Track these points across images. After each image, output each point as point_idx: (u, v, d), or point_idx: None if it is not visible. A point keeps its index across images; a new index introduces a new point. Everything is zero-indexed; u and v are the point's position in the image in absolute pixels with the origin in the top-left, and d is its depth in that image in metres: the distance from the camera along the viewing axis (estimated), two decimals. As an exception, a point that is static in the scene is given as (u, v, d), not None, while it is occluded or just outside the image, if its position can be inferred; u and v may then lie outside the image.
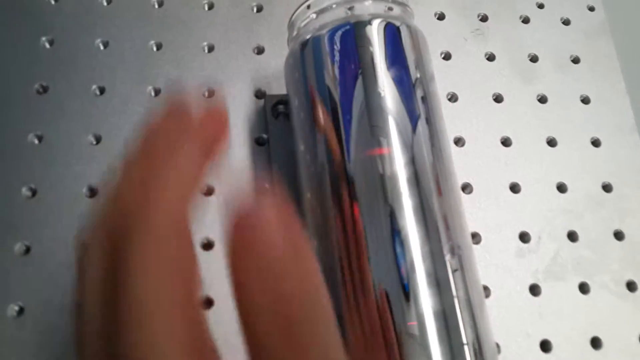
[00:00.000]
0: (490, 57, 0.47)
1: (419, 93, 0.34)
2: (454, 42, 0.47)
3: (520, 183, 0.42)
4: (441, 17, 0.48)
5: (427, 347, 0.27)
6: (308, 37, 0.35)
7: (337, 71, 0.33)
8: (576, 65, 0.48)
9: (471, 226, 0.40)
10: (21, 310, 0.35)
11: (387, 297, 0.28)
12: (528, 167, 0.43)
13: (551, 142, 0.45)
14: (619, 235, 0.42)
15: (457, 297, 0.29)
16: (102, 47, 0.42)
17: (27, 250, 0.36)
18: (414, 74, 0.34)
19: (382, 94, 0.32)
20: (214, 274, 0.36)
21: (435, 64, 0.45)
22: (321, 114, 0.33)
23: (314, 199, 0.33)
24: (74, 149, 0.39)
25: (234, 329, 0.35)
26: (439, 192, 0.32)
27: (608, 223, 0.42)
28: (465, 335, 0.29)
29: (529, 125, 0.45)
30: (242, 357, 0.34)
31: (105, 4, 0.44)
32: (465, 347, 0.28)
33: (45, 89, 0.40)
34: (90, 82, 0.41)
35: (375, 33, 0.34)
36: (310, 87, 0.34)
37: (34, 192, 0.38)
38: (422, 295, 0.28)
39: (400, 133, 0.31)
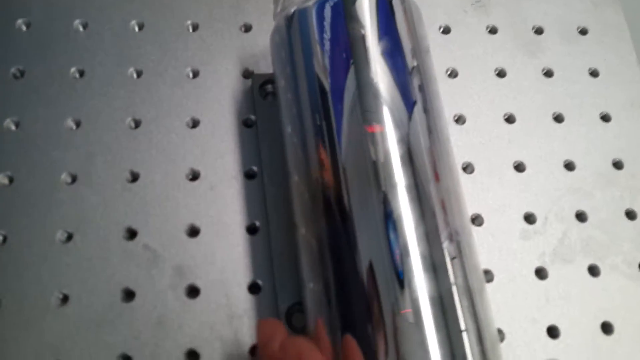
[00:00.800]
0: (492, 30, 0.45)
1: (413, 71, 0.31)
2: (453, 15, 0.45)
3: (525, 161, 0.40)
4: (439, -12, 0.46)
5: (423, 334, 0.26)
6: (293, 10, 0.33)
7: (325, 49, 0.31)
8: (584, 36, 0.46)
9: (473, 207, 0.38)
10: (-3, 304, 0.33)
11: (381, 284, 0.26)
12: (533, 145, 0.41)
13: (558, 118, 0.42)
14: (630, 215, 0.39)
15: (456, 284, 0.27)
16: (81, 29, 0.40)
17: (4, 240, 0.35)
18: (408, 50, 0.32)
19: (374, 73, 0.30)
20: (200, 260, 0.35)
21: (434, 37, 0.43)
22: (309, 95, 0.31)
23: (302, 183, 0.31)
24: (53, 134, 0.37)
25: (219, 317, 0.33)
26: (436, 176, 0.29)
27: (619, 202, 0.40)
28: (463, 322, 0.27)
29: (533, 100, 0.42)
30: (229, 345, 0.33)
31: (84, -17, 0.42)
32: (464, 334, 0.27)
33: (22, 73, 0.39)
34: (69, 65, 0.39)
35: (366, 6, 0.32)
36: (296, 66, 0.32)
37: (10, 180, 0.36)
38: (417, 281, 0.26)
39: (393, 113, 0.29)
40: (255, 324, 0.32)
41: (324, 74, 0.31)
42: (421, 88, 0.31)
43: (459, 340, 0.26)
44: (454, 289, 0.27)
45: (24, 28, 0.40)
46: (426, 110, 0.31)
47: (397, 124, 0.29)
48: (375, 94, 0.29)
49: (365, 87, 0.30)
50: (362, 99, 0.29)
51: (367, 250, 0.27)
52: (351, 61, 0.30)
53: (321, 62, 0.31)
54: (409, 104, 0.30)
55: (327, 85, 0.30)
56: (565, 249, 0.38)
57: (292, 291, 0.33)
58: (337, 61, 0.31)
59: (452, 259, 0.28)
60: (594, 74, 0.44)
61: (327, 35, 0.31)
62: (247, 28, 0.42)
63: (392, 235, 0.27)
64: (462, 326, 0.27)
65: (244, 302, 0.34)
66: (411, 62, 0.32)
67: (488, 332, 0.28)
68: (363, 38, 0.31)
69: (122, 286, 0.34)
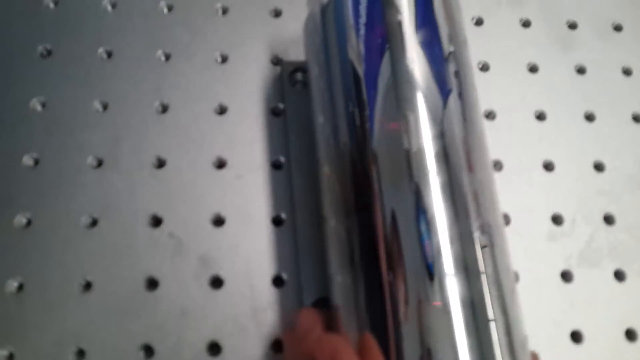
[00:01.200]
0: (526, 23, 0.44)
1: (450, 60, 0.31)
2: (487, 7, 0.44)
3: (554, 161, 0.39)
4: (474, -22, 0.45)
5: (451, 327, 0.25)
6: (329, -2, 0.32)
7: (361, 37, 0.30)
8: (618, 32, 0.45)
9: (500, 206, 0.38)
10: (21, 287, 0.33)
11: (410, 275, 0.26)
12: (563, 144, 0.40)
13: (589, 117, 0.41)
14: (660, 219, 0.39)
15: (486, 274, 0.27)
16: (109, 8, 0.40)
17: (28, 223, 0.34)
18: (446, 38, 0.31)
19: (410, 63, 0.29)
20: (225, 251, 0.35)
21: (466, 29, 0.42)
22: (342, 85, 0.30)
23: (334, 174, 0.30)
24: (79, 116, 0.37)
25: (243, 309, 0.33)
26: (470, 169, 0.29)
27: (649, 205, 0.39)
28: (492, 312, 0.26)
29: (565, 97, 0.42)
30: (252, 339, 0.33)
31: (113, -39, 0.41)
32: (492, 324, 0.26)
33: (49, 52, 0.38)
34: (96, 45, 0.38)
35: (404, -6, 0.31)
36: (331, 54, 0.31)
37: (36, 162, 0.36)
38: (447, 275, 0.26)
39: (429, 105, 0.29)
40: (296, 313, 0.32)
41: (358, 61, 0.30)
42: (458, 78, 0.31)
43: (486, 331, 0.26)
44: (484, 279, 0.27)
45: (52, 6, 0.39)
46: (462, 101, 0.30)
47: (432, 113, 0.28)
48: (411, 82, 0.29)
49: (400, 75, 0.29)
50: (397, 87, 0.29)
51: (398, 243, 0.27)
52: (387, 48, 0.29)
53: (356, 49, 0.30)
54: (445, 94, 0.30)
55: (361, 72, 0.30)
56: (592, 252, 0.37)
57: (317, 286, 0.33)
58: (372, 48, 0.30)
59: (483, 247, 0.27)
60: (627, 72, 0.43)
61: (363, 22, 0.30)
62: (278, 13, 0.41)
63: (424, 229, 0.27)
64: (491, 316, 0.26)
65: (268, 294, 0.34)
66: (448, 50, 0.31)
67: (516, 324, 0.28)
68: (400, 25, 0.30)
69: (146, 275, 0.34)
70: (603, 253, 0.37)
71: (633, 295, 0.37)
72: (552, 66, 0.42)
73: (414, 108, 0.28)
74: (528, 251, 0.37)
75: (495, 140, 0.39)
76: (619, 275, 0.37)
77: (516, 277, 0.36)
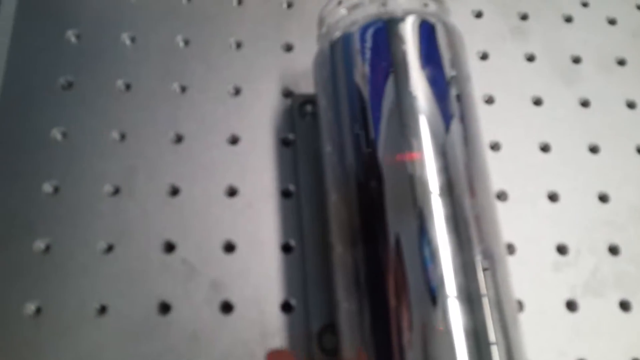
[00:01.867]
0: (530, 58, 0.45)
1: (453, 94, 0.32)
2: (492, 41, 0.45)
3: (559, 191, 0.40)
4: (479, 14, 0.46)
5: (454, 353, 0.26)
6: (338, 34, 0.33)
7: (367, 70, 0.32)
8: (622, 67, 0.46)
9: (505, 236, 0.38)
10: (38, 310, 0.34)
11: (415, 302, 0.27)
12: (568, 175, 0.41)
13: (593, 149, 0.42)
14: (664, 250, 0.39)
15: (487, 298, 0.28)
16: (128, 42, 0.42)
17: (47, 248, 0.36)
18: (449, 74, 0.32)
19: (415, 96, 0.30)
20: (235, 277, 0.36)
21: (472, 63, 0.43)
22: (349, 115, 0.32)
23: (340, 202, 0.31)
24: (98, 145, 0.38)
25: (252, 334, 0.34)
26: (472, 193, 0.30)
27: (653, 236, 0.40)
28: (494, 336, 0.27)
29: (569, 130, 0.43)
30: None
31: (133, -2, 0.43)
32: (494, 347, 0.27)
33: (70, 84, 0.40)
34: (115, 77, 0.40)
35: (409, 30, 0.32)
36: (339, 86, 0.33)
37: (55, 189, 0.37)
38: (450, 301, 0.27)
39: (433, 136, 0.30)
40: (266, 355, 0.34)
41: (365, 93, 0.31)
42: (461, 110, 0.32)
43: (488, 354, 0.27)
44: (486, 304, 0.27)
45: (74, 39, 0.41)
46: (465, 132, 0.31)
47: (437, 144, 0.30)
48: (415, 108, 0.30)
49: (404, 102, 0.30)
50: (402, 113, 0.30)
51: (403, 271, 0.27)
52: (392, 81, 0.31)
53: (363, 82, 0.31)
54: (448, 125, 0.31)
55: (367, 101, 0.31)
56: (597, 283, 0.38)
57: (325, 312, 0.34)
58: (378, 81, 0.31)
59: (485, 271, 0.28)
60: (631, 105, 0.44)
61: (370, 57, 0.32)
62: (289, 48, 0.43)
63: (428, 258, 0.27)
64: (492, 339, 0.27)
65: (276, 320, 0.35)
66: (452, 84, 0.32)
67: (517, 348, 0.28)
68: (405, 60, 0.31)
69: (159, 299, 0.35)
70: (608, 283, 0.38)
71: (638, 325, 0.37)
72: (556, 99, 0.43)
73: (417, 134, 0.30)
74: (533, 281, 0.37)
75: (500, 171, 0.40)
76: (625, 306, 0.37)
77: (521, 307, 0.37)
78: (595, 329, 0.36)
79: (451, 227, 0.28)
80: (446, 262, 0.27)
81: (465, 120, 0.32)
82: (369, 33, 0.32)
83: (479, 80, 0.43)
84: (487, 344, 0.27)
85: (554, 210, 0.40)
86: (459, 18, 0.45)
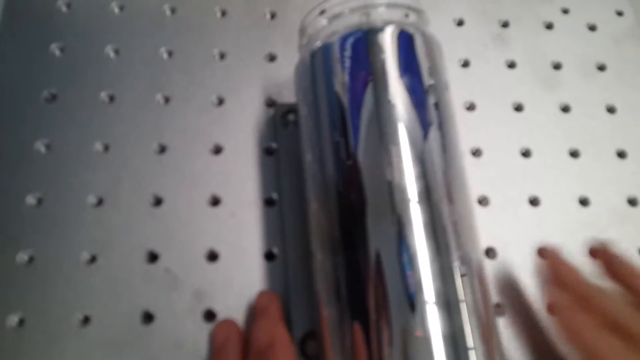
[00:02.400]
0: (511, 64, 0.46)
1: (431, 103, 0.32)
2: (473, 49, 0.46)
3: (540, 196, 0.41)
4: (460, 22, 0.47)
5: (431, 351, 0.26)
6: (318, 44, 0.34)
7: (347, 79, 0.32)
8: (602, 72, 0.46)
9: (487, 241, 0.39)
10: (22, 322, 0.34)
11: (394, 308, 0.27)
12: (549, 180, 0.41)
13: (574, 154, 0.43)
14: (645, 253, 0.40)
15: (465, 303, 0.28)
16: (112, 55, 0.42)
17: (30, 260, 0.36)
18: (427, 82, 0.33)
19: (393, 104, 0.31)
20: (219, 286, 0.36)
21: (454, 71, 0.44)
22: (329, 123, 0.32)
23: (320, 210, 0.31)
24: (82, 157, 0.39)
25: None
26: (450, 200, 0.30)
27: (633, 239, 0.40)
28: (472, 342, 0.27)
29: (550, 135, 0.43)
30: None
31: (117, 11, 0.43)
32: (472, 352, 0.27)
33: (54, 97, 0.40)
34: (99, 89, 0.41)
35: (388, 40, 0.33)
36: (319, 95, 0.33)
37: (39, 201, 0.37)
38: (429, 306, 0.27)
39: (411, 143, 0.30)
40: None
41: (344, 103, 0.31)
42: (439, 119, 0.32)
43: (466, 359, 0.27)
44: (464, 310, 0.28)
45: (58, 52, 0.42)
46: (443, 141, 0.32)
47: (415, 153, 0.30)
48: (393, 116, 0.30)
49: (383, 109, 0.31)
50: (382, 127, 0.30)
51: (381, 278, 0.28)
52: (371, 91, 0.31)
53: (342, 92, 0.32)
54: (427, 134, 0.31)
55: (346, 109, 0.31)
56: (578, 286, 0.38)
57: (307, 319, 0.34)
58: (358, 91, 0.31)
59: (463, 277, 0.28)
60: (611, 110, 0.45)
61: (349, 67, 0.32)
62: (272, 58, 0.43)
63: (406, 264, 0.28)
64: (470, 344, 0.27)
65: (260, 328, 0.35)
66: (430, 94, 0.32)
67: (496, 352, 0.29)
68: (384, 70, 0.32)
69: (142, 309, 0.35)
70: (589, 286, 0.38)
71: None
72: (537, 105, 0.44)
73: (396, 141, 0.30)
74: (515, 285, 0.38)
75: (481, 176, 0.41)
76: (605, 308, 0.38)
77: (502, 311, 0.37)
78: (577, 332, 0.37)
79: (429, 234, 0.29)
80: (424, 268, 0.28)
81: (443, 127, 0.32)
82: (349, 43, 0.33)
83: (461, 87, 0.44)
84: (465, 349, 0.27)
85: (535, 214, 0.40)
86: (440, 26, 0.46)
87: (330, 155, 0.31)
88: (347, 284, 0.29)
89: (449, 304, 0.28)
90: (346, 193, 0.30)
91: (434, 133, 0.31)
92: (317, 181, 0.32)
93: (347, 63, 0.32)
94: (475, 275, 0.29)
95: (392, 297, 0.27)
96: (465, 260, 0.29)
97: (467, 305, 0.28)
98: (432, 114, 0.32)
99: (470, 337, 0.27)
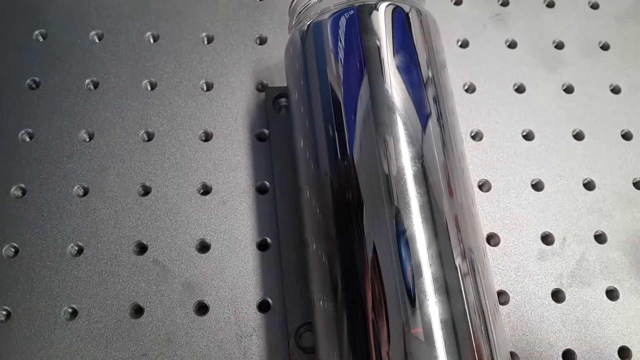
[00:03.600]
0: (512, 44, 0.44)
1: (428, 84, 0.31)
2: (472, 29, 0.44)
3: (543, 180, 0.39)
4: (458, 1, 0.45)
5: (433, 353, 0.25)
6: (308, 22, 0.32)
7: (339, 61, 0.30)
8: (605, 51, 0.45)
9: (489, 226, 0.38)
10: (8, 315, 0.33)
11: (391, 302, 0.26)
12: (552, 163, 0.40)
13: (578, 136, 0.41)
14: (652, 236, 0.38)
15: (467, 300, 0.27)
16: (96, 40, 0.41)
17: (16, 252, 0.34)
18: (424, 63, 0.31)
19: (388, 86, 0.29)
20: (210, 277, 0.35)
21: (452, 51, 0.43)
22: (321, 107, 0.30)
23: (314, 199, 0.30)
24: (66, 146, 0.37)
25: (228, 335, 0.33)
26: (450, 193, 0.29)
27: (639, 223, 0.39)
28: (474, 342, 0.26)
29: (553, 117, 0.42)
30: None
31: (101, -6, 0.42)
32: (473, 345, 0.26)
33: (37, 84, 0.39)
34: (83, 76, 0.39)
35: (381, 18, 0.31)
36: (310, 79, 0.32)
37: (23, 192, 0.36)
38: (429, 300, 0.26)
39: (408, 128, 0.29)
40: None
41: (337, 86, 0.30)
42: (436, 102, 0.31)
43: (468, 357, 0.26)
44: (466, 308, 0.26)
45: (41, 39, 0.40)
46: (441, 125, 0.30)
47: (411, 138, 0.29)
48: (390, 106, 0.29)
49: (379, 100, 0.29)
50: (376, 111, 0.29)
51: (378, 268, 0.27)
52: (365, 73, 0.30)
53: (335, 74, 0.30)
54: (424, 118, 0.30)
55: (340, 97, 0.30)
56: (584, 271, 0.37)
57: (302, 311, 0.33)
58: (350, 73, 0.30)
59: (464, 273, 0.27)
60: (615, 90, 0.43)
61: (341, 47, 0.31)
62: (263, 40, 0.41)
63: (404, 253, 0.26)
64: (474, 345, 0.26)
65: (253, 320, 0.34)
66: (427, 75, 0.31)
67: (501, 353, 0.27)
68: (378, 50, 0.30)
69: (131, 301, 0.34)
70: (595, 272, 0.37)
71: (626, 313, 0.36)
72: (539, 86, 0.43)
73: (393, 132, 0.28)
74: (519, 271, 0.36)
75: (482, 160, 0.39)
76: (612, 294, 0.36)
77: (507, 298, 0.36)
78: (583, 318, 0.35)
79: (429, 226, 0.27)
80: (422, 252, 0.26)
81: (441, 110, 0.31)
82: (341, 21, 0.31)
83: (459, 68, 0.42)
84: (466, 343, 0.26)
85: (539, 199, 0.39)
86: (437, 5, 0.44)
87: (322, 141, 0.30)
88: (342, 276, 0.28)
89: (447, 288, 0.26)
90: (339, 180, 0.29)
91: (431, 116, 0.30)
92: (310, 169, 0.31)
93: (339, 43, 0.31)
94: (477, 270, 0.28)
95: (390, 292, 0.26)
96: (467, 255, 0.28)
97: (468, 303, 0.27)
98: (430, 96, 0.30)
99: (470, 321, 0.26)
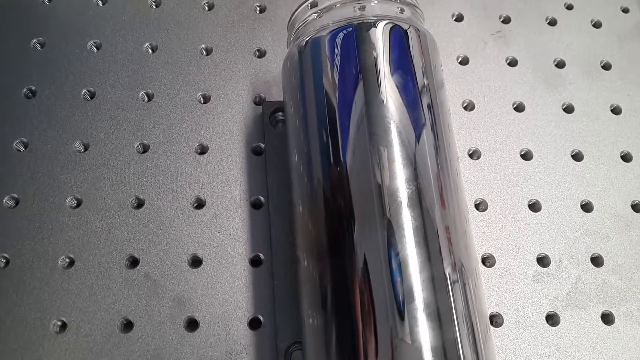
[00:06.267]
0: (512, 62, 0.44)
1: (425, 102, 0.31)
2: (472, 46, 0.44)
3: (540, 200, 0.39)
4: (459, 18, 0.45)
5: None
6: (307, 38, 0.32)
7: (336, 76, 0.30)
8: (607, 71, 0.44)
9: (485, 247, 0.37)
10: (-5, 328, 0.33)
11: (381, 316, 0.26)
12: (550, 183, 0.40)
13: (577, 156, 0.41)
14: (649, 260, 0.38)
15: (456, 312, 0.26)
16: (94, 50, 0.40)
17: (6, 263, 0.34)
18: (421, 81, 0.31)
19: (384, 103, 0.29)
20: (201, 293, 0.34)
21: (451, 68, 0.43)
22: (316, 122, 0.30)
23: (307, 214, 0.30)
24: (60, 156, 0.37)
25: (218, 352, 0.33)
26: (442, 205, 0.29)
27: (637, 246, 0.38)
28: (462, 352, 0.26)
29: (552, 136, 0.41)
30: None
31: (100, 4, 0.42)
32: None
33: (33, 93, 0.39)
34: (80, 86, 0.39)
35: (379, 36, 0.31)
36: (306, 93, 0.31)
37: (16, 202, 0.36)
38: (420, 326, 0.25)
39: (404, 148, 0.28)
40: None
41: (333, 102, 0.30)
42: (433, 121, 0.31)
43: None
44: (458, 335, 0.26)
45: (39, 47, 0.40)
46: (437, 145, 0.30)
47: (407, 159, 0.28)
48: (386, 126, 0.29)
49: (375, 118, 0.29)
50: (372, 129, 0.29)
51: (370, 291, 0.26)
52: (362, 90, 0.29)
53: (331, 90, 0.30)
54: (420, 137, 0.29)
55: (336, 114, 0.29)
56: (579, 294, 0.36)
57: (293, 329, 0.32)
58: (347, 90, 0.30)
59: (454, 285, 0.27)
60: (615, 110, 0.43)
61: (339, 64, 0.31)
62: (262, 53, 0.41)
63: (396, 277, 0.26)
64: (461, 355, 0.26)
65: (243, 337, 0.33)
66: (424, 93, 0.31)
67: None
68: (375, 68, 0.30)
69: (121, 316, 0.33)
70: (590, 295, 0.37)
71: (622, 338, 0.35)
72: (538, 105, 0.42)
73: (388, 152, 0.28)
74: (513, 293, 0.36)
75: (479, 179, 0.39)
76: (607, 318, 0.36)
77: (501, 320, 0.35)
78: (577, 342, 0.35)
79: (420, 239, 0.27)
80: (414, 275, 0.26)
81: (437, 128, 0.31)
82: (339, 38, 0.31)
83: (459, 85, 0.42)
84: (456, 359, 0.26)
85: (535, 219, 0.38)
86: (438, 22, 0.44)
87: (317, 157, 0.30)
88: (333, 292, 0.28)
89: (439, 313, 0.26)
90: (333, 196, 0.28)
91: (427, 134, 0.30)
92: (303, 184, 0.30)
93: (337, 59, 0.31)
94: (468, 283, 0.28)
95: (380, 306, 0.26)
96: (457, 267, 0.28)
97: (458, 314, 0.26)
98: (426, 114, 0.30)
99: (461, 347, 0.26)
